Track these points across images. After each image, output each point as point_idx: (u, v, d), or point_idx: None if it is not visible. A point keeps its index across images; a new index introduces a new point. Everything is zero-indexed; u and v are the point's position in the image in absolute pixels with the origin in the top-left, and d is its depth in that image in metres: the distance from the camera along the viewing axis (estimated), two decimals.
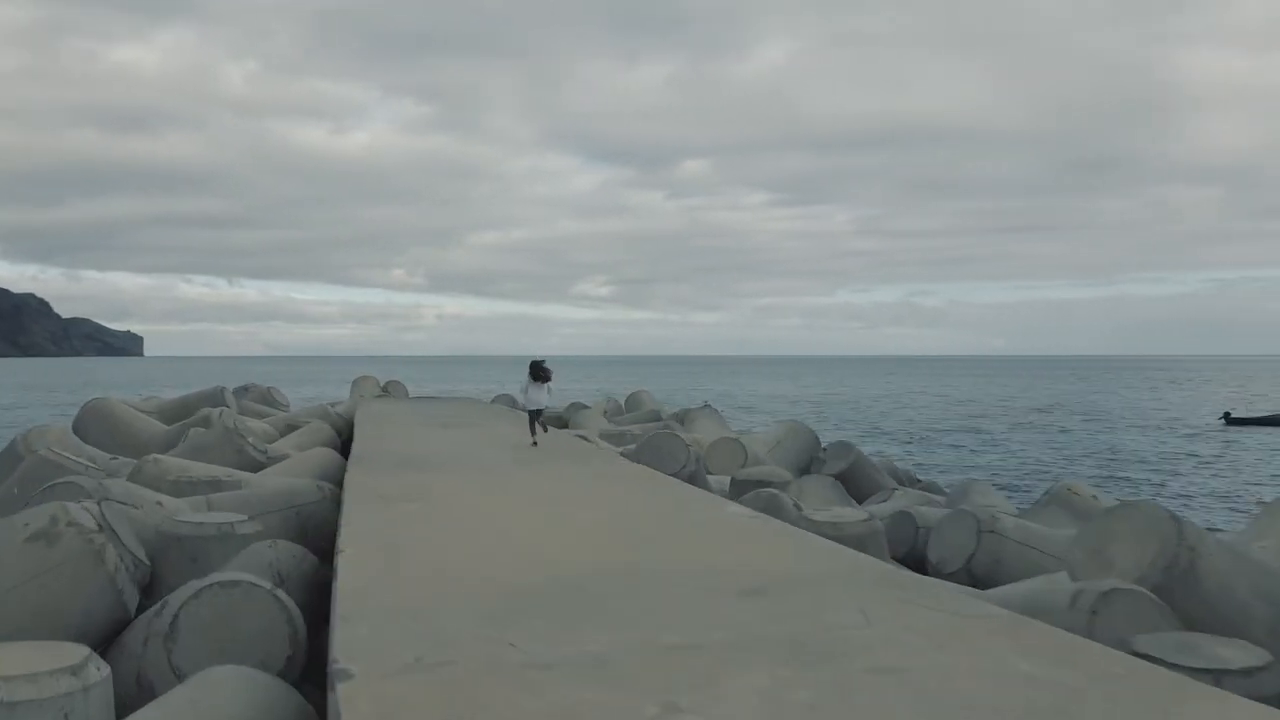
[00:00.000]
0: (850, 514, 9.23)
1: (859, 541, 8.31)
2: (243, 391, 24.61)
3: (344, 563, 5.82)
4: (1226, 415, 58.13)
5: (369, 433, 15.05)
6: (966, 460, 42.02)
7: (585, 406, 23.53)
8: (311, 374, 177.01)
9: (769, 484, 12.34)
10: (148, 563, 7.82)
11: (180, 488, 10.87)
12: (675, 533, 6.93)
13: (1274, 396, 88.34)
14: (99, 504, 7.56)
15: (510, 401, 26.71)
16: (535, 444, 12.97)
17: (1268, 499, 31.10)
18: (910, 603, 5.05)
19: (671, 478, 10.16)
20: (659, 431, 13.29)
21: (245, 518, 8.58)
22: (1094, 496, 11.53)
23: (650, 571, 5.66)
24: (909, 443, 50.41)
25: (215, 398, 20.57)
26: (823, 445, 16.29)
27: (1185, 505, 27.05)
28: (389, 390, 28.76)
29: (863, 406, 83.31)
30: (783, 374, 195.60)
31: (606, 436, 17.93)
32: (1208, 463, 40.50)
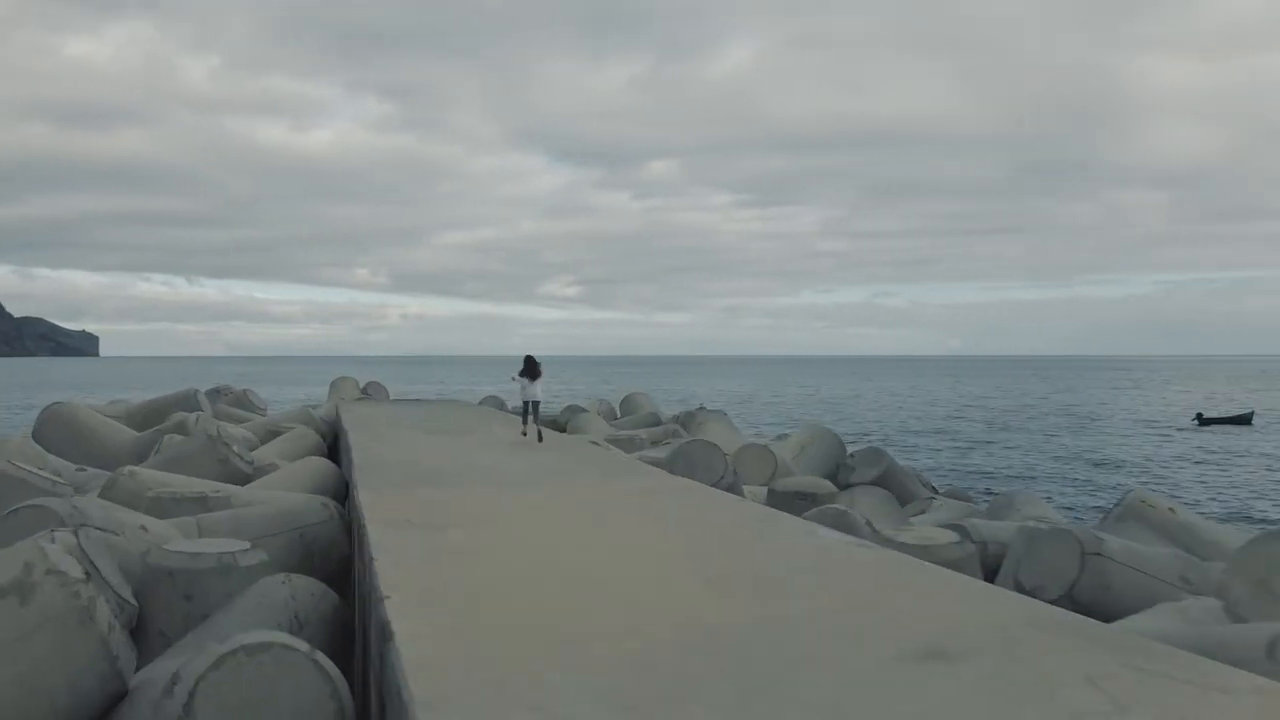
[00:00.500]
0: (937, 534, 8.19)
1: (954, 567, 7.27)
2: (216, 394, 23.17)
3: (398, 617, 4.62)
4: (1199, 416, 59.11)
5: (364, 441, 13.78)
6: (950, 463, 41.30)
7: (582, 410, 22.36)
8: (276, 374, 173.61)
9: (812, 496, 11.31)
10: (134, 603, 6.59)
11: (162, 505, 9.60)
12: (781, 568, 5.81)
13: (1240, 398, 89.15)
14: (76, 533, 6.31)
15: (498, 403, 25.51)
16: (540, 439, 13.42)
17: (1265, 497, 30.78)
18: (1140, 670, 3.97)
19: (728, 494, 9.05)
20: (693, 440, 12.17)
21: (246, 545, 7.37)
22: (1171, 510, 10.58)
23: (791, 626, 4.54)
24: (888, 445, 49.60)
25: (188, 401, 19.18)
26: (849, 451, 15.19)
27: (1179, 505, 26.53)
28: (368, 392, 27.37)
29: (840, 407, 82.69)
30: (750, 374, 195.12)
31: (614, 442, 16.79)
32: (1198, 462, 40.28)
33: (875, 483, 14.21)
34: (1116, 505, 11.03)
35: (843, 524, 8.52)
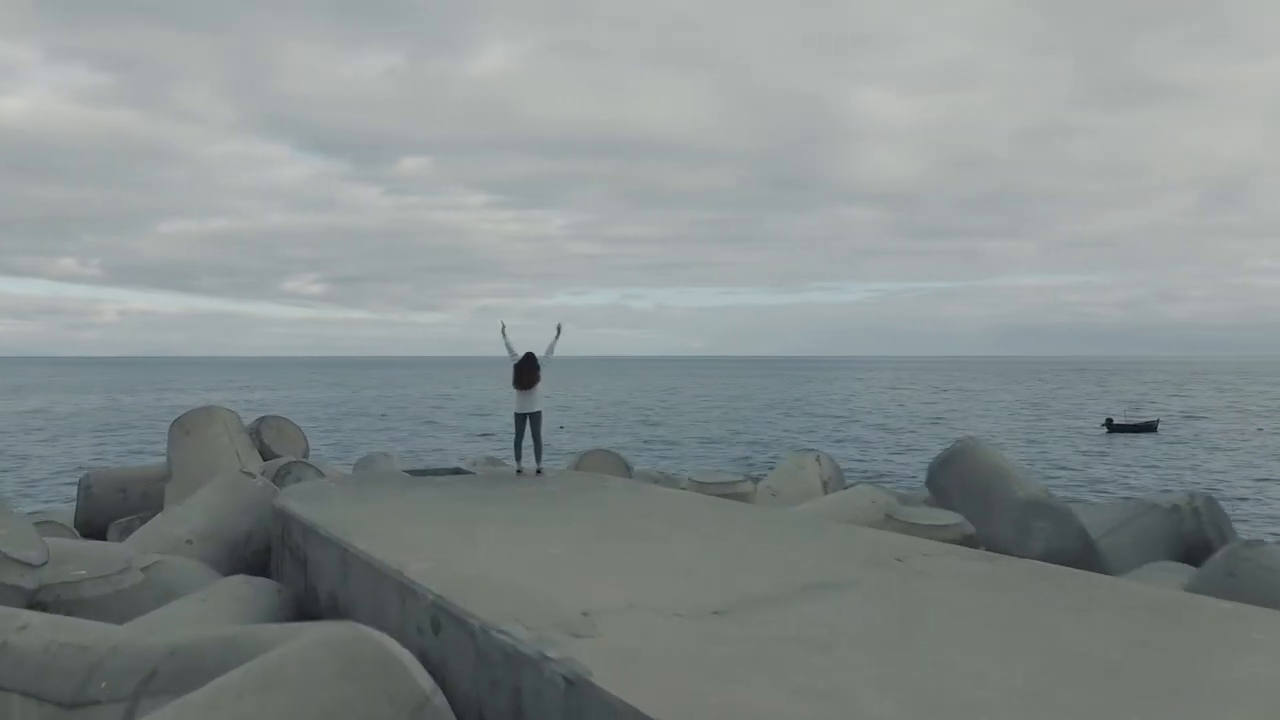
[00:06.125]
0: None
1: None
2: None
3: None
4: (1108, 422, 57.74)
5: None
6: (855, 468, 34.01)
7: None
8: None
9: None
10: None
11: None
12: None
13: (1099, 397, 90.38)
14: None
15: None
16: (522, 471, 11.51)
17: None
18: None
19: None
20: None
21: None
22: None
23: None
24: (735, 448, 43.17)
25: None
26: None
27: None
28: (268, 442, 15.19)
29: (644, 410, 73.92)
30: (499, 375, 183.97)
31: None
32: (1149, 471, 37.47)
33: None
34: None
35: None
